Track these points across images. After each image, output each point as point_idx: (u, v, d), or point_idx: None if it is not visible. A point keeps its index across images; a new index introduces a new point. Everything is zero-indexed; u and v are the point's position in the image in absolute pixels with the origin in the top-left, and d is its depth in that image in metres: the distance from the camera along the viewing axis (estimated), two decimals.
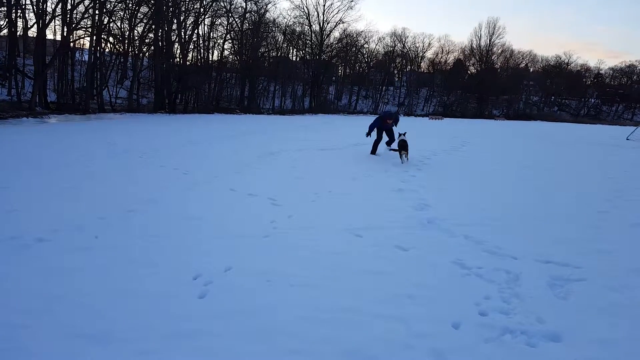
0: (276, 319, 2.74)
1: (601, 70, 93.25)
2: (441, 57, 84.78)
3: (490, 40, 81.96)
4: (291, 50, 57.64)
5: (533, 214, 5.72)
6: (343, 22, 56.09)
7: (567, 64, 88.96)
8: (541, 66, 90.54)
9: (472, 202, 6.29)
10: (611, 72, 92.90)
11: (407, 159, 10.32)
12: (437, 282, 3.36)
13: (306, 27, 54.27)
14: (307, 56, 56.60)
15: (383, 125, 11.84)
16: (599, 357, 2.42)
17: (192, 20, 31.75)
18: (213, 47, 38.32)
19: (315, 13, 55.15)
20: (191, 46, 33.54)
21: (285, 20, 54.02)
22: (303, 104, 52.80)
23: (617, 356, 2.43)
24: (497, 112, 79.18)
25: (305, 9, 54.08)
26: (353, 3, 57.33)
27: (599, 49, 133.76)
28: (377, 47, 75.50)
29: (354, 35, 60.89)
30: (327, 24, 55.54)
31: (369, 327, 2.67)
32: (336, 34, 58.69)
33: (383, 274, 3.48)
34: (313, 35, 55.07)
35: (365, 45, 67.29)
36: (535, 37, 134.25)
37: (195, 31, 32.96)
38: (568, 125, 48.45)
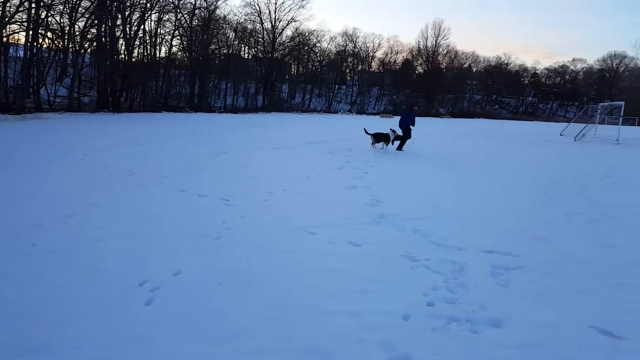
0: (232, 321, 2.70)
1: (537, 70, 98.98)
2: (390, 57, 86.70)
3: (436, 41, 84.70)
4: (243, 48, 56.87)
5: (477, 206, 5.99)
6: (295, 21, 56.08)
7: (507, 64, 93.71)
8: (483, 66, 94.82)
9: (421, 197, 6.50)
10: (546, 72, 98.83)
11: (385, 149, 13.03)
12: (388, 276, 3.45)
13: (258, 24, 53.73)
14: (260, 54, 56.04)
15: (410, 117, 13.40)
16: (537, 341, 2.57)
17: (138, 15, 30.63)
18: (160, 43, 37.17)
19: (267, 11, 54.63)
20: (137, 42, 32.37)
21: (237, 17, 53.17)
22: (256, 102, 52.26)
23: (554, 339, 2.60)
24: (443, 111, 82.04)
25: (256, 6, 53.42)
26: (304, 2, 57.40)
27: (535, 50, 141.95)
28: (329, 46, 76.11)
29: (306, 34, 60.99)
30: (279, 22, 55.26)
31: (324, 323, 2.70)
32: (288, 32, 58.61)
33: (337, 271, 3.53)
34: (265, 33, 54.62)
35: (318, 44, 67.60)
36: (478, 39, 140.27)
37: (142, 27, 31.86)
38: (508, 122, 50.99)
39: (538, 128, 38.59)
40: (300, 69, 72.72)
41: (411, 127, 13.41)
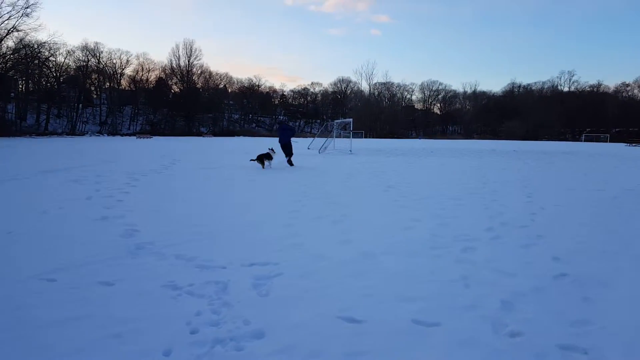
0: None
1: (285, 92, 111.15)
2: (142, 75, 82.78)
3: (189, 61, 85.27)
4: None
5: (237, 222, 6.17)
6: (18, 30, 47.16)
7: (258, 86, 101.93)
8: (237, 87, 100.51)
9: (182, 220, 6.28)
10: (292, 93, 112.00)
11: (270, 165, 14.81)
12: (146, 312, 3.15)
13: None
14: None
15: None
16: (293, 342, 2.73)
17: None
18: None
19: None
20: None
21: None
22: None
23: (307, 336, 2.81)
24: (204, 130, 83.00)
25: None
26: (29, 10, 48.31)
27: (280, 74, 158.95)
28: (67, 61, 67.37)
29: (35, 46, 52.24)
30: None
31: None
32: (10, 42, 48.90)
33: (81, 319, 3.01)
34: None
35: (52, 58, 58.93)
36: (230, 60, 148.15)
37: None
38: (264, 139, 55.16)
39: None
40: (31, 86, 61.96)
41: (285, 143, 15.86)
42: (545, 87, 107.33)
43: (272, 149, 15.04)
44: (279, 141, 16.05)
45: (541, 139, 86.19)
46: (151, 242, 5.04)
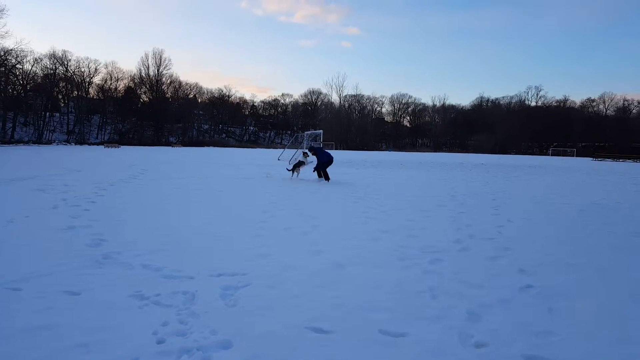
0: None
1: (255, 103, 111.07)
2: (111, 83, 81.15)
3: (158, 71, 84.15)
4: None
5: (205, 232, 6.15)
6: None
7: (229, 96, 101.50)
8: (207, 97, 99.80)
9: (150, 229, 6.22)
10: (262, 104, 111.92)
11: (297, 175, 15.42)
12: (113, 322, 3.13)
13: None
14: None
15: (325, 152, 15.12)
16: (260, 352, 2.76)
17: None
18: None
19: None
20: None
21: None
22: None
23: (274, 346, 2.84)
24: (173, 139, 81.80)
25: None
26: None
27: (251, 85, 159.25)
28: (35, 68, 65.59)
29: (2, 53, 50.70)
30: None
31: None
32: None
33: (47, 329, 2.97)
34: None
35: (19, 66, 57.37)
36: (200, 70, 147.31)
37: None
38: (235, 150, 54.83)
39: (259, 154, 42.87)
40: None
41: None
42: (513, 101, 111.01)
43: (305, 154, 15.78)
44: (326, 159, 14.69)
45: (509, 153, 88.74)
46: (118, 251, 4.98)
